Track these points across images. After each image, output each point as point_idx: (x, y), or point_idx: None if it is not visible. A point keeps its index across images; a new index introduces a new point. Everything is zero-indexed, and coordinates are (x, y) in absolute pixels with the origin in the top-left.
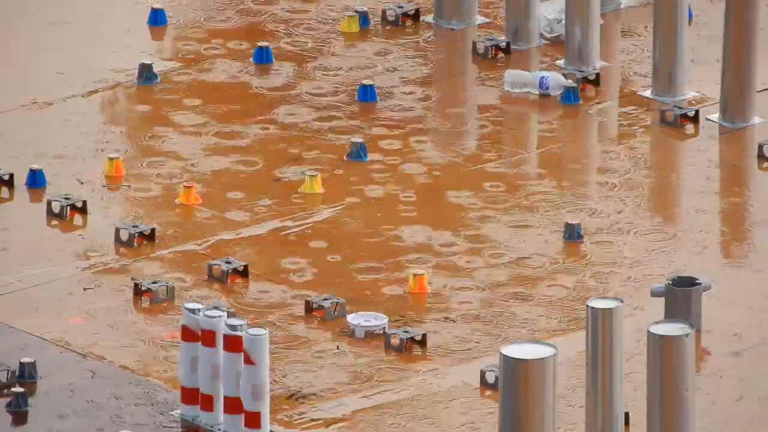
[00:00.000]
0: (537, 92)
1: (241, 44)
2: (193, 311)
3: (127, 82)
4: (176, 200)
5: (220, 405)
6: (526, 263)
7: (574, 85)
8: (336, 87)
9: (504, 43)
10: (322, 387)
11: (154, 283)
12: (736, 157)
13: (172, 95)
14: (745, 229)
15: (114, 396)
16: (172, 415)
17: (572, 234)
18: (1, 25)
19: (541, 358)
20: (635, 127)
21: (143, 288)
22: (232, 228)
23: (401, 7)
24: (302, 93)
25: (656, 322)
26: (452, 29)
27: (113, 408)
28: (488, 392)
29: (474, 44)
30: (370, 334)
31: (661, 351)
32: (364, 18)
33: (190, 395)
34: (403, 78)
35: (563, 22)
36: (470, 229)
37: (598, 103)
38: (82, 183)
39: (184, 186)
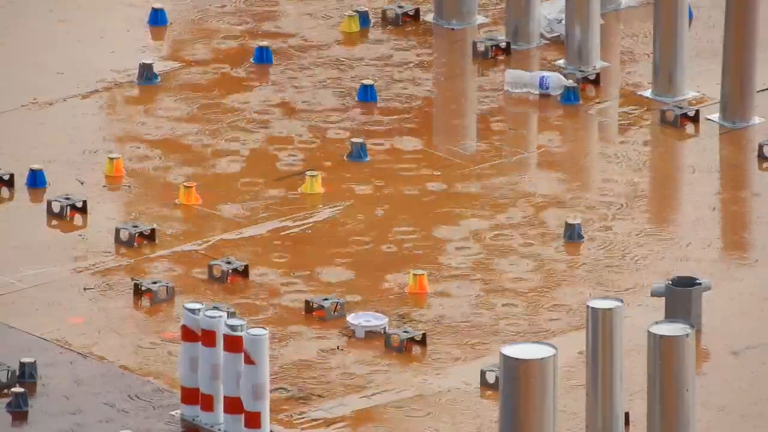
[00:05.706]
0: (537, 92)
1: (242, 44)
2: (193, 311)
3: (127, 82)
4: (176, 200)
5: (220, 405)
6: (526, 263)
7: (574, 85)
8: (336, 87)
9: (504, 43)
10: (322, 387)
11: (154, 283)
12: (736, 157)
13: (172, 95)
14: (745, 229)
15: (114, 396)
16: (172, 415)
17: (572, 234)
18: (1, 26)
19: (541, 358)
20: (635, 127)
21: (143, 288)
22: (233, 228)
23: (401, 6)
24: (302, 92)
25: (656, 322)
26: (452, 29)
27: (113, 408)
28: (488, 392)
29: (474, 44)
30: (370, 334)
31: (661, 351)
32: (364, 18)
33: (190, 395)
34: (403, 78)
35: (563, 22)
36: (471, 228)
37: (598, 103)
38: (82, 183)
39: (184, 186)
